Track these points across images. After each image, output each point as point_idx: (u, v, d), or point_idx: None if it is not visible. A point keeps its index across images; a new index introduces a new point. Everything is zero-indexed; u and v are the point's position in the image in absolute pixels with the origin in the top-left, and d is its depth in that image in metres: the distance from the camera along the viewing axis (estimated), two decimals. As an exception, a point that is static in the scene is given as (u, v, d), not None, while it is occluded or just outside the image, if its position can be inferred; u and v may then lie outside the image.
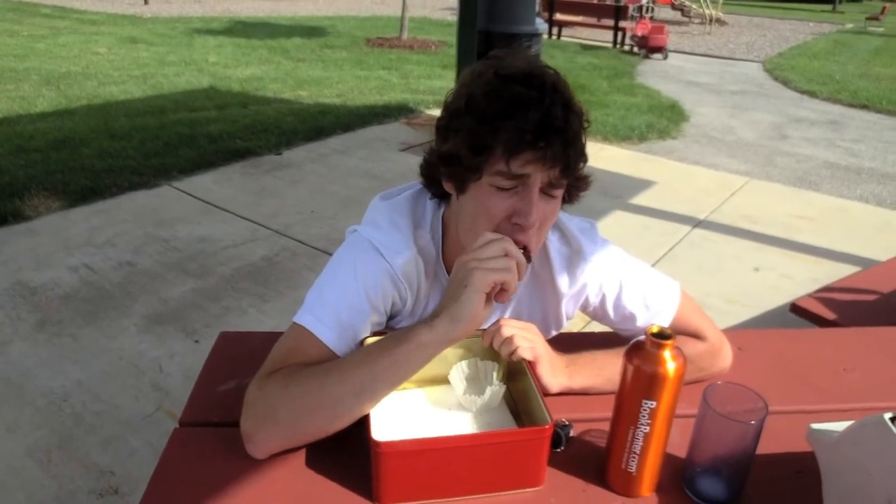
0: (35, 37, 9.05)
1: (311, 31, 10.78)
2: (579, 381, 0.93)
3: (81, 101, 5.71)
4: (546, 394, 0.87)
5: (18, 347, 2.32)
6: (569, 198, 0.89)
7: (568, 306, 0.99)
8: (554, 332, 1.04)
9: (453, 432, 0.83)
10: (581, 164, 0.82)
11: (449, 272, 0.95)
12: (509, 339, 0.86)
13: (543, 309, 1.00)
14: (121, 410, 2.02)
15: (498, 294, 0.77)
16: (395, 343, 0.77)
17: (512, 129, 0.75)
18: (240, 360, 0.98)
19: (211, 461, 0.81)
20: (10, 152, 4.23)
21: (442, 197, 0.93)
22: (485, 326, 0.89)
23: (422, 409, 0.88)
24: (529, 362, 0.87)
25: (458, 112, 0.81)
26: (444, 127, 0.84)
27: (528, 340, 0.87)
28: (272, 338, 0.88)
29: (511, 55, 0.83)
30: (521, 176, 0.78)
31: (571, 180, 0.84)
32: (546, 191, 0.81)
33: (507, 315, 1.00)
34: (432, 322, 0.76)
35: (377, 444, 0.72)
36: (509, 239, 0.78)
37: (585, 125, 0.82)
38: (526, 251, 0.80)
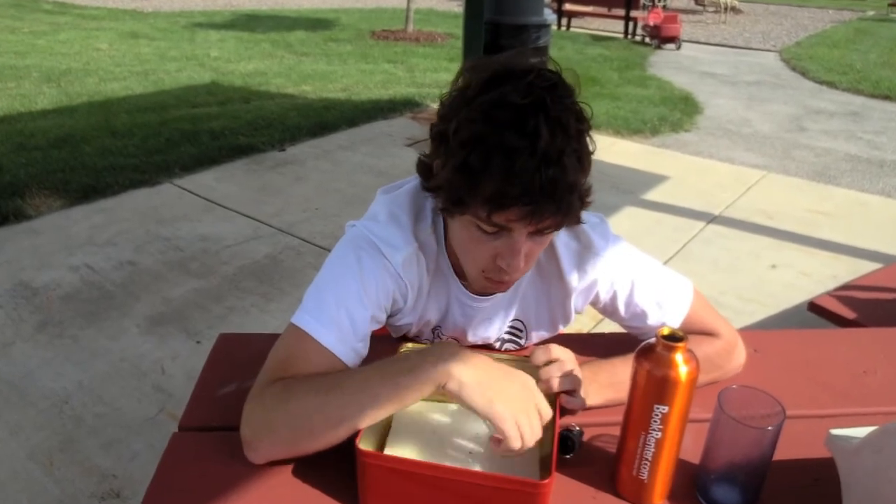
0: (36, 33, 8.98)
1: (315, 23, 10.69)
2: (598, 400, 0.89)
3: (82, 98, 5.65)
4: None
5: (20, 349, 2.30)
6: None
7: (577, 301, 0.97)
8: (562, 327, 1.03)
9: (462, 459, 0.79)
10: (578, 208, 0.77)
11: (453, 264, 0.92)
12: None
13: (549, 303, 0.99)
14: (123, 413, 2.00)
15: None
16: (401, 371, 0.75)
17: (494, 185, 0.70)
18: (239, 363, 0.97)
19: (210, 466, 0.81)
20: (11, 150, 4.19)
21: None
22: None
23: (445, 429, 0.84)
24: (559, 402, 0.83)
25: (444, 136, 0.75)
26: (435, 138, 0.79)
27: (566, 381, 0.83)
28: (272, 339, 0.86)
29: (518, 57, 0.76)
30: (505, 227, 0.76)
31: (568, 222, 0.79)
32: (534, 236, 0.79)
33: (512, 310, 0.99)
34: (447, 367, 0.73)
35: (362, 452, 0.72)
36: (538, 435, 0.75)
37: (590, 150, 0.76)
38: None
